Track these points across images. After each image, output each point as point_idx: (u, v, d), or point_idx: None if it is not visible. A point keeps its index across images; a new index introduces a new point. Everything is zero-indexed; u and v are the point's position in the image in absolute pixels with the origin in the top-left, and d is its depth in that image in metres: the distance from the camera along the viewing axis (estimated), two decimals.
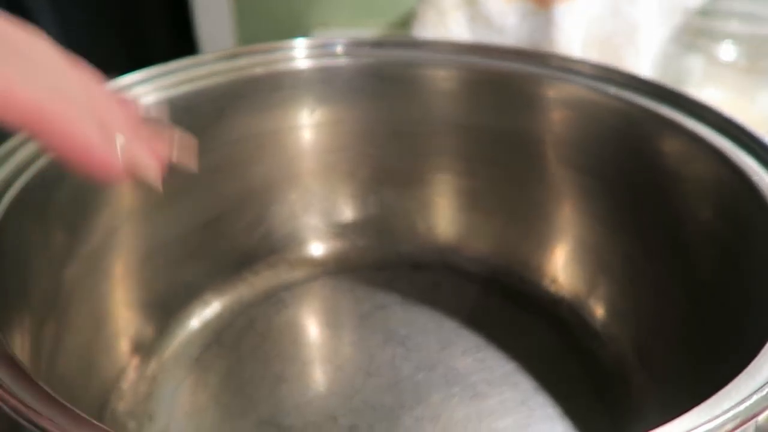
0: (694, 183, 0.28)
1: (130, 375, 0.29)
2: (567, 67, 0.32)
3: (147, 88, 0.30)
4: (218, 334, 0.32)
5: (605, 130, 0.31)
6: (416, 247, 0.36)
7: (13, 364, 0.18)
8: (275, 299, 0.34)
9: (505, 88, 0.33)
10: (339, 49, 0.34)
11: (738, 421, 0.16)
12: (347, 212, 0.36)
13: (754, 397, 0.17)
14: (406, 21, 0.53)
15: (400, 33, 0.52)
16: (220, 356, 0.31)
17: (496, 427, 0.27)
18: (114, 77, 0.30)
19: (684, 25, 0.42)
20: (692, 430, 0.16)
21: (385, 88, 0.34)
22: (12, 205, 0.24)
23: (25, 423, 0.17)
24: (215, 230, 0.34)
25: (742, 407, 0.17)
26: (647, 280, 0.30)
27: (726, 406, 0.17)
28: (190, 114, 0.31)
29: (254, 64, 0.33)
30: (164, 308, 0.32)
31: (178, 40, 0.52)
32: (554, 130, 0.33)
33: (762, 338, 0.19)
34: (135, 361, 0.30)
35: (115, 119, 0.20)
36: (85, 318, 0.28)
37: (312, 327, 0.33)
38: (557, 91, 0.32)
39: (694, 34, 0.42)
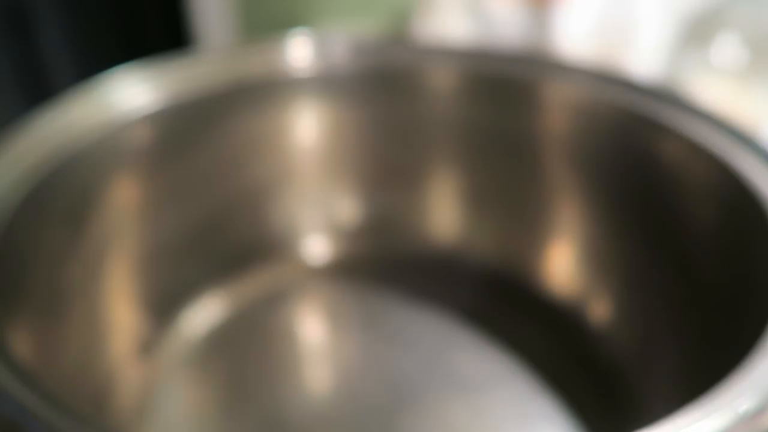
0: (694, 184, 0.28)
1: (130, 375, 0.29)
2: (567, 67, 0.32)
3: (145, 87, 0.30)
4: (218, 334, 0.32)
5: (605, 131, 0.31)
6: (416, 247, 0.36)
7: (13, 364, 0.18)
8: (275, 299, 0.34)
9: (505, 88, 0.33)
10: (339, 48, 0.34)
11: (738, 420, 0.16)
12: (347, 212, 0.36)
13: (754, 397, 0.17)
14: (406, 18, 0.53)
15: (399, 30, 0.52)
16: (220, 356, 0.31)
17: (496, 427, 0.27)
18: (108, 69, 0.30)
19: (684, 25, 0.42)
20: (690, 428, 0.16)
21: (385, 88, 0.34)
22: (12, 205, 0.24)
23: (25, 423, 0.17)
24: (215, 230, 0.34)
25: (741, 406, 0.17)
26: (648, 281, 0.30)
27: (726, 405, 0.17)
28: (188, 113, 0.31)
29: (254, 62, 0.33)
30: (164, 308, 0.32)
31: (172, 29, 0.52)
32: (554, 132, 0.33)
33: (762, 339, 0.19)
34: (135, 361, 0.30)
35: None
36: (84, 318, 0.28)
37: (312, 327, 0.33)
38: (557, 92, 0.32)
39: (695, 33, 0.42)
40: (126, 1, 0.51)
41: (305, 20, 0.51)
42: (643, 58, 0.43)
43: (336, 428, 0.27)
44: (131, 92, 0.30)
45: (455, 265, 0.35)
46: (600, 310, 0.32)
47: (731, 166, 0.26)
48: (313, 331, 0.33)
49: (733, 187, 0.25)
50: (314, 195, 0.36)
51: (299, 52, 0.34)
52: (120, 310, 0.30)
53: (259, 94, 0.33)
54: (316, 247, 0.36)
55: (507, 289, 0.34)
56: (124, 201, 0.30)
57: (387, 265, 0.36)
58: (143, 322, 0.31)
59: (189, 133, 0.32)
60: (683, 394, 0.19)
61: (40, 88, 0.47)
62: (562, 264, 0.33)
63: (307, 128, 0.35)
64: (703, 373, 0.23)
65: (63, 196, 0.27)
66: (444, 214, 0.36)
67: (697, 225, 0.28)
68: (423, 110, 0.35)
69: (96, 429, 0.16)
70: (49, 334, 0.25)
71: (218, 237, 0.34)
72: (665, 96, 0.29)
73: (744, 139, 0.26)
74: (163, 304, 0.32)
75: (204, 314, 0.32)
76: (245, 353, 0.31)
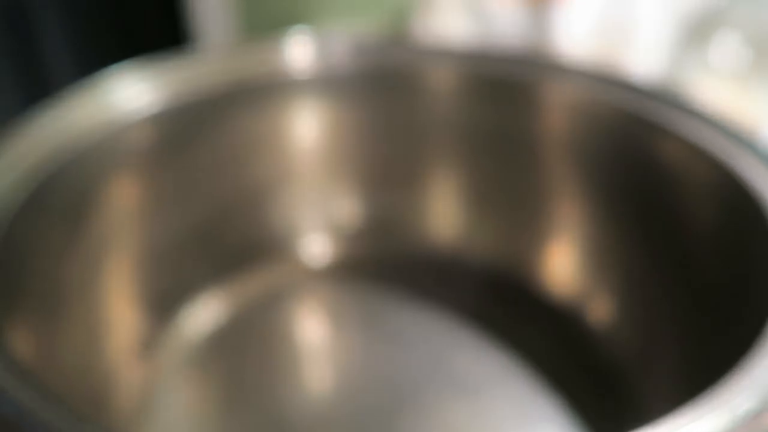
0: (694, 185, 0.28)
1: (130, 375, 0.29)
2: (567, 68, 0.32)
3: (144, 87, 0.30)
4: (218, 334, 0.32)
5: (605, 132, 0.31)
6: (416, 247, 0.36)
7: (12, 364, 0.18)
8: (275, 299, 0.34)
9: (505, 88, 0.33)
10: (339, 48, 0.34)
11: (738, 420, 0.16)
12: (347, 212, 0.36)
13: (754, 397, 0.17)
14: (406, 17, 0.53)
15: (399, 29, 0.52)
16: (220, 356, 0.31)
17: (496, 427, 0.27)
18: (105, 67, 0.30)
19: (685, 25, 0.42)
20: (690, 427, 0.16)
21: (386, 88, 0.34)
22: (12, 205, 0.24)
23: (24, 423, 0.17)
24: (215, 230, 0.34)
25: (741, 406, 0.17)
26: (648, 281, 0.30)
27: (725, 405, 0.17)
28: (188, 114, 0.31)
29: (254, 62, 0.33)
30: (164, 308, 0.32)
31: (172, 29, 0.52)
32: (555, 132, 0.33)
33: (762, 339, 0.19)
34: (135, 361, 0.30)
35: None
36: (84, 318, 0.28)
37: (312, 327, 0.33)
38: (557, 93, 0.32)
39: (695, 33, 0.42)
40: (126, 1, 0.51)
41: (305, 19, 0.51)
42: (643, 58, 0.43)
43: (336, 428, 0.27)
44: (131, 92, 0.30)
45: (456, 266, 0.35)
46: (600, 311, 0.32)
47: (731, 166, 0.26)
48: (313, 331, 0.33)
49: (732, 188, 0.25)
50: (314, 195, 0.36)
51: (299, 51, 0.34)
52: (120, 309, 0.30)
53: (259, 94, 0.33)
54: (316, 248, 0.36)
55: (507, 290, 0.34)
56: (124, 201, 0.30)
57: (387, 266, 0.36)
58: (143, 321, 0.31)
59: (189, 133, 0.32)
60: (683, 394, 0.19)
61: (39, 88, 0.47)
62: (563, 264, 0.33)
63: (307, 128, 0.35)
64: (703, 373, 0.23)
65: (63, 196, 0.27)
66: (444, 214, 0.36)
67: (697, 225, 0.28)
68: (423, 111, 0.35)
69: (96, 429, 0.16)
70: (49, 334, 0.25)
71: (218, 237, 0.34)
72: (665, 97, 0.29)
73: (743, 140, 0.26)
74: (163, 304, 0.32)
75: (204, 314, 0.32)
76: (245, 353, 0.31)
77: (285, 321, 0.33)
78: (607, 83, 0.31)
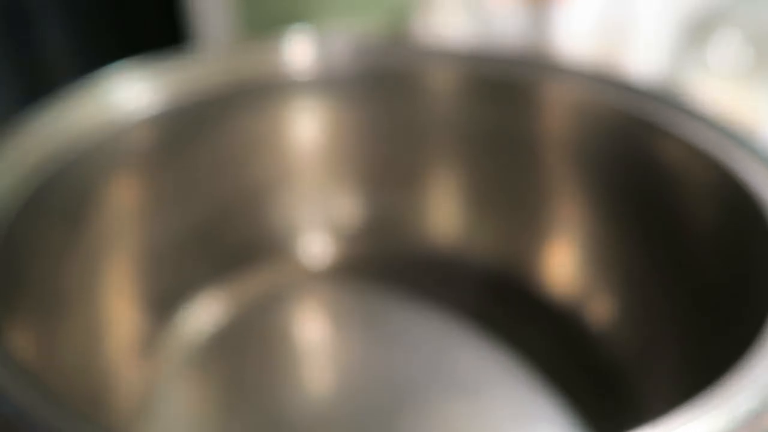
0: (694, 185, 0.28)
1: (130, 375, 0.29)
2: (567, 69, 0.32)
3: (144, 87, 0.30)
4: (218, 335, 0.32)
5: (605, 132, 0.31)
6: (416, 247, 0.36)
7: (12, 364, 0.18)
8: (275, 299, 0.34)
9: (505, 89, 0.33)
10: (339, 48, 0.34)
11: (738, 420, 0.16)
12: (347, 212, 0.36)
13: (754, 396, 0.17)
14: (406, 16, 0.53)
15: (399, 28, 0.52)
16: (220, 356, 0.31)
17: (496, 427, 0.27)
18: (104, 66, 0.30)
19: (685, 25, 0.42)
20: (690, 427, 0.16)
21: (386, 88, 0.34)
22: (13, 205, 0.24)
23: (24, 423, 0.17)
24: (215, 230, 0.34)
25: (741, 406, 0.17)
26: (648, 281, 0.30)
27: (725, 405, 0.17)
28: (188, 114, 0.31)
29: (254, 62, 0.33)
30: (164, 308, 0.32)
31: (172, 29, 0.52)
32: (555, 133, 0.33)
33: (762, 339, 0.19)
34: (135, 361, 0.30)
35: None
36: (84, 318, 0.28)
37: (312, 327, 0.33)
38: (557, 94, 0.32)
39: (696, 33, 0.42)
40: (126, 1, 0.51)
41: (305, 18, 0.51)
42: (644, 57, 0.43)
43: (336, 428, 0.27)
44: (131, 92, 0.30)
45: (456, 266, 0.35)
46: (600, 311, 0.32)
47: (730, 167, 0.26)
48: (313, 331, 0.33)
49: (732, 188, 0.25)
50: (314, 195, 0.36)
51: (299, 51, 0.34)
52: (120, 310, 0.30)
53: (258, 94, 0.33)
54: (317, 248, 0.36)
55: (508, 290, 0.34)
56: (123, 201, 0.30)
57: (387, 266, 0.36)
58: (143, 322, 0.31)
59: (188, 134, 0.32)
60: (683, 394, 0.19)
61: (40, 88, 0.47)
62: (563, 264, 0.33)
63: (307, 128, 0.35)
64: (703, 373, 0.23)
65: (63, 196, 0.27)
66: (445, 214, 0.36)
67: (697, 225, 0.28)
68: (424, 111, 0.35)
69: (96, 429, 0.16)
70: (49, 334, 0.25)
71: (218, 237, 0.34)
72: (665, 98, 0.29)
73: (743, 140, 0.26)
74: (164, 304, 0.32)
75: (204, 314, 0.33)
76: (245, 353, 0.31)
77: (285, 321, 0.33)
78: (607, 83, 0.31)
